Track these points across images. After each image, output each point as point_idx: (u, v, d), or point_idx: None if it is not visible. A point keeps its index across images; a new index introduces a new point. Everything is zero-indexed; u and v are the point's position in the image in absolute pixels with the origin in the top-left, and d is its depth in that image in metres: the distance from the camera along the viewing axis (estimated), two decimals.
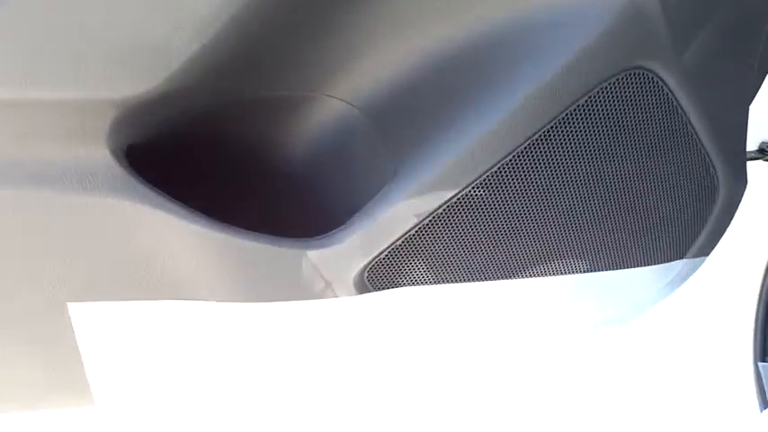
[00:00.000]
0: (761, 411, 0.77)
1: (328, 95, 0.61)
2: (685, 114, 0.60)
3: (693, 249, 0.70)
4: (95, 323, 0.53)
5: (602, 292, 0.71)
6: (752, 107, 0.82)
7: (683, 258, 0.71)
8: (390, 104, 0.60)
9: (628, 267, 0.69)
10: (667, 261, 0.70)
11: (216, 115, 0.58)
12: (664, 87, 0.58)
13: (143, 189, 0.50)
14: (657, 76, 0.57)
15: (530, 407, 0.80)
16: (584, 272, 0.68)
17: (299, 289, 0.57)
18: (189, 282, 0.55)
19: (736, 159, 0.66)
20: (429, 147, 0.58)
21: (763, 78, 0.70)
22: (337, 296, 0.59)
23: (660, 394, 0.82)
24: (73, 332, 0.53)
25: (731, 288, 0.84)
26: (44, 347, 0.54)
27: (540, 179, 0.59)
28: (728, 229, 0.82)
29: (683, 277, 0.72)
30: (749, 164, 0.84)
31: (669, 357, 0.83)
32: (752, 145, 0.85)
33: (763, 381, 0.79)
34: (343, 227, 0.58)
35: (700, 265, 0.72)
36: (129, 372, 0.57)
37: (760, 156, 0.83)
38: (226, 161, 0.61)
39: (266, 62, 0.57)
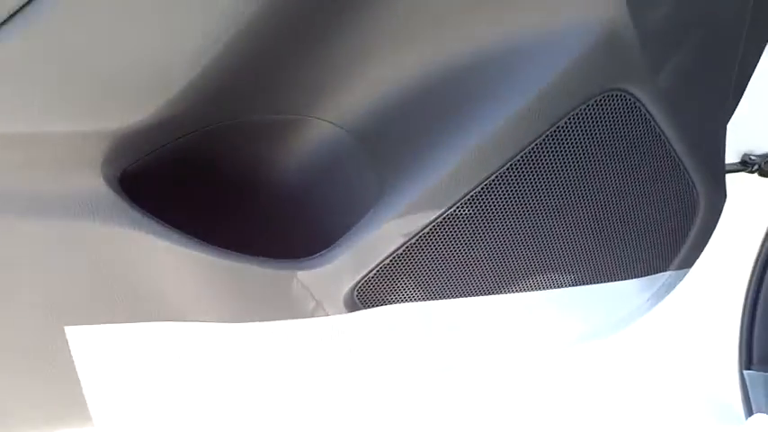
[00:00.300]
0: (746, 419, 0.79)
1: (316, 118, 0.63)
2: (663, 132, 0.62)
3: (676, 262, 0.72)
4: (93, 346, 0.55)
5: (588, 305, 0.72)
6: (734, 120, 0.84)
7: (666, 271, 0.72)
8: (377, 126, 0.61)
9: (612, 281, 0.71)
10: (651, 274, 0.72)
11: (207, 139, 0.60)
12: (641, 107, 0.60)
13: (136, 215, 0.51)
14: (634, 97, 0.59)
15: (521, 419, 0.82)
16: (570, 286, 0.69)
17: (289, 309, 0.58)
18: (183, 304, 0.56)
19: (715, 174, 0.68)
20: (414, 168, 0.60)
21: (741, 95, 0.72)
22: (328, 315, 0.61)
23: (646, 403, 0.83)
24: (71, 356, 0.55)
25: (717, 297, 0.86)
26: (42, 372, 0.56)
27: (523, 198, 0.61)
28: (713, 239, 0.84)
29: (668, 289, 0.74)
30: (733, 175, 0.86)
31: (655, 366, 0.84)
32: (735, 157, 0.86)
33: (749, 389, 0.81)
34: (332, 247, 0.59)
35: (683, 276, 0.74)
36: (127, 393, 0.59)
37: (743, 168, 0.85)
38: (217, 183, 0.62)
39: (256, 87, 0.59)
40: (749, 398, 0.79)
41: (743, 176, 0.86)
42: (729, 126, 0.85)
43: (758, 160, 0.84)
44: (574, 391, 0.83)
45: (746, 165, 0.85)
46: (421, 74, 0.60)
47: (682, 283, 0.78)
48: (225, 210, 0.63)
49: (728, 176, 0.83)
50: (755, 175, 0.85)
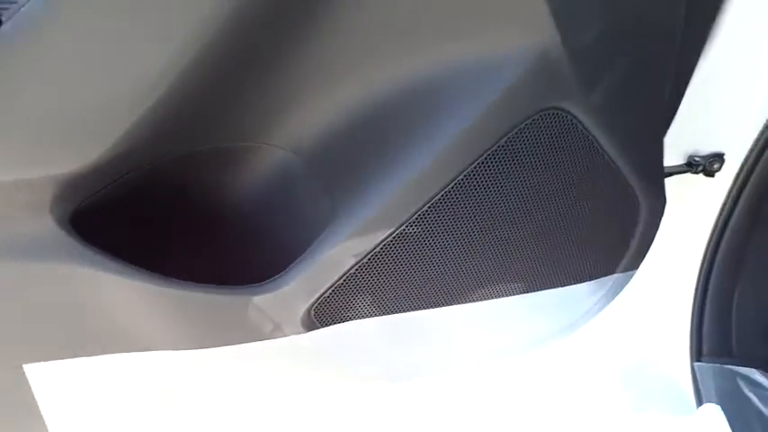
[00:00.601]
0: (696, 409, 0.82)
1: (268, 144, 0.65)
2: (600, 145, 0.65)
3: (623, 264, 0.75)
4: (53, 382, 0.56)
5: (541, 310, 0.75)
6: (680, 122, 0.87)
7: (613, 274, 0.75)
8: (327, 151, 0.63)
9: (562, 286, 0.73)
10: (599, 277, 0.75)
11: (159, 171, 0.62)
12: (577, 124, 0.63)
13: (88, 253, 0.53)
14: (570, 114, 0.62)
15: (483, 427, 0.85)
16: (522, 293, 0.72)
17: (248, 333, 0.60)
18: (143, 335, 0.58)
19: (654, 181, 0.71)
20: (364, 191, 0.62)
21: (679, 104, 0.75)
22: (286, 335, 0.63)
23: (599, 395, 0.87)
24: (32, 393, 0.56)
25: (669, 293, 0.90)
26: (5, 411, 0.57)
27: (469, 214, 0.64)
28: (665, 238, 0.88)
29: (616, 290, 0.77)
30: (679, 177, 0.88)
31: (612, 361, 0.87)
32: (681, 158, 0.89)
33: (699, 380, 0.84)
34: (286, 271, 0.61)
35: (630, 277, 0.77)
36: (90, 426, 0.60)
37: (688, 169, 0.88)
38: (171, 214, 0.64)
39: (206, 117, 0.61)
40: (699, 389, 0.83)
41: (689, 177, 0.89)
42: (675, 128, 0.89)
43: (702, 161, 0.87)
44: (532, 389, 0.86)
45: (692, 166, 0.88)
46: (367, 101, 0.62)
47: (637, 280, 0.82)
48: (182, 239, 0.65)
49: (675, 178, 0.86)
50: (701, 175, 0.88)
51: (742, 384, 0.81)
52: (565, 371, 0.86)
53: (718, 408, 0.79)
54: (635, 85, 0.65)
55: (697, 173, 0.87)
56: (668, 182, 0.86)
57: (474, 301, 0.71)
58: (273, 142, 0.64)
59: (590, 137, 0.64)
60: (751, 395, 0.80)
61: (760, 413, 0.78)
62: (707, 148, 0.87)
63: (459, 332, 0.72)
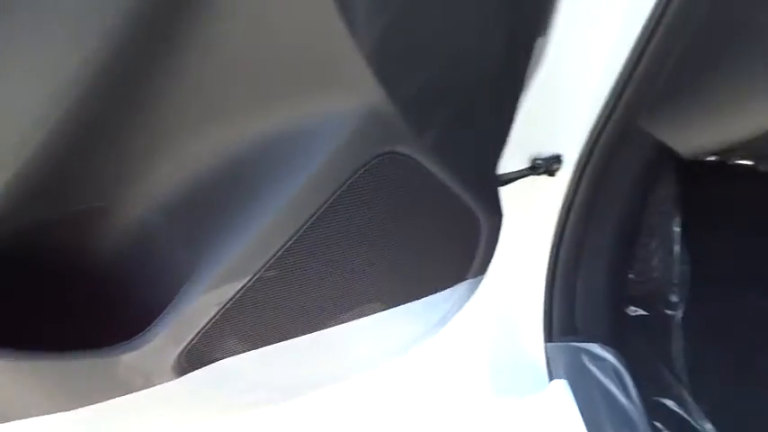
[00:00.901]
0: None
1: (125, 203, 0.67)
2: (440, 180, 0.71)
3: (471, 272, 0.83)
4: None
5: (405, 320, 0.83)
6: (522, 126, 0.95)
7: (464, 281, 0.84)
8: (184, 207, 0.67)
9: (419, 299, 0.81)
10: (451, 286, 0.83)
11: (14, 238, 0.63)
12: (415, 163, 0.69)
13: None
14: (406, 156, 0.68)
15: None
16: (383, 310, 0.79)
17: (120, 389, 0.64)
18: (17, 405, 0.61)
19: (491, 200, 0.79)
20: (220, 242, 0.66)
21: (510, 127, 0.82)
22: (159, 384, 0.67)
23: (466, 387, 0.97)
24: None
25: (523, 285, 1.00)
26: None
27: (324, 253, 0.69)
28: (514, 235, 0.97)
29: (469, 294, 0.86)
30: (523, 180, 0.97)
31: (475, 354, 0.98)
32: (525, 162, 0.98)
33: (549, 360, 0.96)
34: (151, 326, 0.65)
35: (480, 281, 0.86)
36: None
37: (532, 171, 0.97)
38: (32, 280, 0.66)
39: (60, 182, 0.62)
40: (551, 368, 0.95)
41: (534, 179, 0.97)
42: (518, 133, 0.97)
43: (544, 163, 0.96)
44: (404, 390, 0.95)
45: (535, 169, 0.96)
46: (219, 157, 0.65)
47: (495, 275, 0.92)
48: (46, 304, 0.66)
49: (521, 181, 0.95)
50: (545, 176, 0.97)
51: (585, 359, 0.93)
52: (434, 370, 0.95)
53: (565, 382, 0.91)
54: (465, 120, 0.72)
55: (540, 174, 0.97)
56: (517, 183, 0.96)
57: (340, 323, 0.77)
58: (130, 202, 0.67)
59: (429, 173, 0.70)
60: (592, 367, 0.92)
61: (599, 382, 0.90)
62: (548, 150, 0.96)
63: (331, 351, 0.79)
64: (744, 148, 0.90)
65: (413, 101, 0.66)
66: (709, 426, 1.01)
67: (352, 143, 0.64)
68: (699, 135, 0.87)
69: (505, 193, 0.95)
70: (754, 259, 1.25)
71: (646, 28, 0.81)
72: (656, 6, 0.79)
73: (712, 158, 1.29)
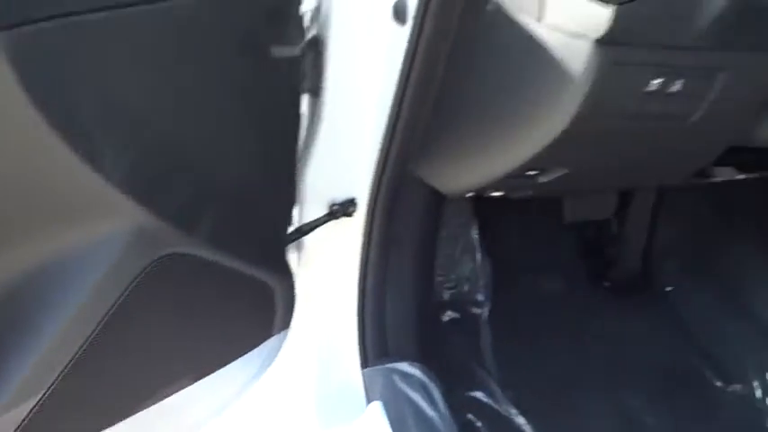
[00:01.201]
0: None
1: None
2: (221, 265, 0.78)
3: (275, 329, 0.92)
4: None
5: (222, 382, 0.90)
6: (317, 176, 1.03)
7: (271, 336, 0.92)
8: None
9: (230, 362, 0.88)
10: (261, 342, 0.91)
11: None
12: (193, 258, 0.75)
13: None
14: (183, 254, 0.74)
15: None
16: (195, 381, 0.86)
17: None
18: None
19: (280, 266, 0.87)
20: (10, 365, 0.69)
21: (292, 194, 0.90)
22: None
23: (289, 415, 1.06)
24: None
25: (337, 318, 1.09)
26: None
27: (118, 351, 0.74)
28: (325, 275, 1.06)
29: (280, 343, 0.94)
30: (327, 225, 1.05)
31: (301, 390, 1.06)
32: (324, 209, 1.06)
33: (366, 385, 1.06)
34: None
35: (287, 332, 0.94)
36: None
37: (331, 217, 1.05)
38: None
39: None
40: (368, 393, 1.05)
41: (336, 222, 1.05)
42: (314, 184, 1.05)
43: (340, 208, 1.05)
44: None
45: (333, 214, 1.05)
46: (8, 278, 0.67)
47: (312, 316, 1.00)
48: None
49: (324, 226, 1.03)
50: (343, 218, 1.06)
51: (396, 378, 1.03)
52: (264, 413, 1.03)
53: (380, 404, 1.01)
54: (238, 208, 0.79)
55: (339, 218, 1.05)
56: (322, 227, 1.04)
57: (162, 397, 0.82)
58: None
59: (210, 262, 0.77)
60: (402, 385, 1.03)
61: (409, 399, 1.02)
62: (343, 195, 1.05)
63: (170, 416, 0.84)
64: (494, 187, 1.03)
65: (178, 209, 0.72)
66: (514, 410, 1.17)
67: (126, 256, 0.70)
68: (456, 179, 1.00)
69: (313, 238, 1.04)
70: (541, 248, 1.43)
71: (398, 88, 0.89)
72: (403, 69, 0.87)
73: None
